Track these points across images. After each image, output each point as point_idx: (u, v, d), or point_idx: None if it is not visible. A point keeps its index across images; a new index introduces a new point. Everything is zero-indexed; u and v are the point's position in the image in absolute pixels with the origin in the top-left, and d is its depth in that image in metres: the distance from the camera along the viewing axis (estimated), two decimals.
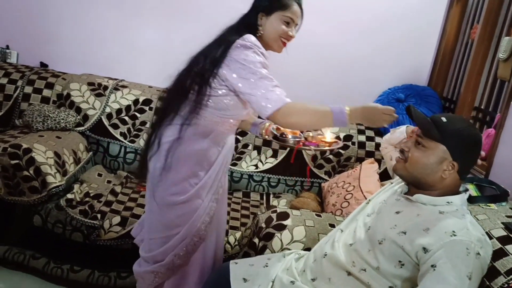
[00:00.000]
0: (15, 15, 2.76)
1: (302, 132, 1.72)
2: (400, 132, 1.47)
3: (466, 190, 1.29)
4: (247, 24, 1.50)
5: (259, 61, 1.39)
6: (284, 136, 1.68)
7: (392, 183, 1.47)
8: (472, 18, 2.60)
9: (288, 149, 2.54)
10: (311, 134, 1.73)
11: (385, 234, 1.22)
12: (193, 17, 2.74)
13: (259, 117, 1.71)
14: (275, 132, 1.69)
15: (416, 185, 1.29)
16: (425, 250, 1.12)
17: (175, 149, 1.48)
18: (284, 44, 1.53)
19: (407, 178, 1.30)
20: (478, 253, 1.10)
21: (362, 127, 2.62)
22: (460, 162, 1.21)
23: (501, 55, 2.05)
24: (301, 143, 1.68)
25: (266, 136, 1.71)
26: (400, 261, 1.17)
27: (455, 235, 1.11)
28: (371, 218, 1.35)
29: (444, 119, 1.24)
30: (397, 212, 1.27)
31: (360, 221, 1.38)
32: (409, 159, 1.26)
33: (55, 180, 2.01)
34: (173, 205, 1.50)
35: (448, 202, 1.21)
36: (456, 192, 1.25)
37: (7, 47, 2.79)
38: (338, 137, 2.10)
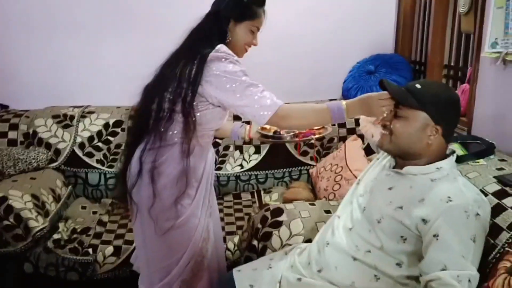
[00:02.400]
0: None
1: None
2: None
3: (453, 152, 1.28)
4: (217, 32, 1.43)
5: (239, 69, 1.33)
6: (278, 133, 1.65)
7: (378, 159, 1.45)
8: None
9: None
10: None
11: (382, 212, 1.22)
12: (150, 29, 2.65)
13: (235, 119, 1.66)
14: (265, 133, 1.64)
15: (403, 157, 1.27)
16: (424, 221, 1.11)
17: (161, 173, 1.41)
18: (246, 50, 1.50)
19: (394, 151, 1.29)
20: (478, 214, 1.09)
21: None
22: (443, 125, 1.20)
23: (461, 9, 2.04)
24: (300, 136, 1.66)
25: (248, 139, 1.68)
26: (402, 236, 1.17)
27: (451, 201, 1.10)
28: (364, 198, 1.34)
29: (418, 85, 1.23)
30: (390, 188, 1.25)
31: (354, 203, 1.37)
32: (393, 131, 1.24)
33: (37, 223, 1.92)
34: (170, 231, 1.43)
35: (437, 168, 1.20)
36: (443, 156, 1.24)
37: None
38: None
